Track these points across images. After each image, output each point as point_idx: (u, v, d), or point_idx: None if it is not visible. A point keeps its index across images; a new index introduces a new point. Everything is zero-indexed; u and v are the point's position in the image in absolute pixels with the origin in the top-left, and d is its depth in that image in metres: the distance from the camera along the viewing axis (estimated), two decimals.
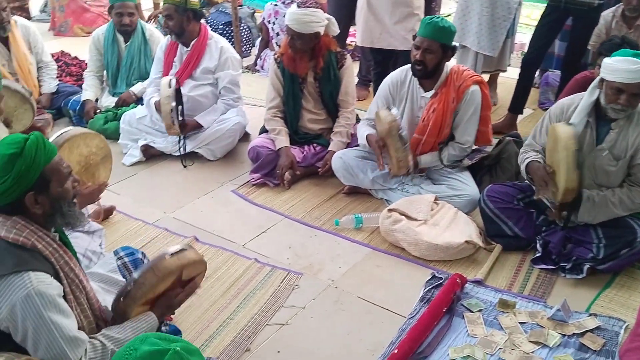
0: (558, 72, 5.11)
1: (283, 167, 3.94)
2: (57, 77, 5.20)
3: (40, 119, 4.40)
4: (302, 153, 4.11)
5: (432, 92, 3.53)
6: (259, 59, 6.51)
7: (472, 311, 2.78)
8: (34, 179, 1.90)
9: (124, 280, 2.41)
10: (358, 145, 3.90)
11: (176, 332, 2.64)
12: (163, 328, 2.59)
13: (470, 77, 3.49)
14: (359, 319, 2.81)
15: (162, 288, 2.14)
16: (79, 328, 2.01)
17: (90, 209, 3.56)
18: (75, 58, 6.01)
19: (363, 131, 3.74)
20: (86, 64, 5.36)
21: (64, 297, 1.95)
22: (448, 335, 2.64)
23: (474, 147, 3.70)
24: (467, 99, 3.48)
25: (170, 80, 3.99)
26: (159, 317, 2.15)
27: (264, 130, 4.25)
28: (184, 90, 4.29)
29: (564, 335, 2.60)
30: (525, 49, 4.80)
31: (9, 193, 1.88)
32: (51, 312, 1.86)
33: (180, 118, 4.11)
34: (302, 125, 4.16)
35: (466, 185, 3.54)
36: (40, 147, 1.91)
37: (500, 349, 2.54)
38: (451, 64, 3.57)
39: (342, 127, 4.03)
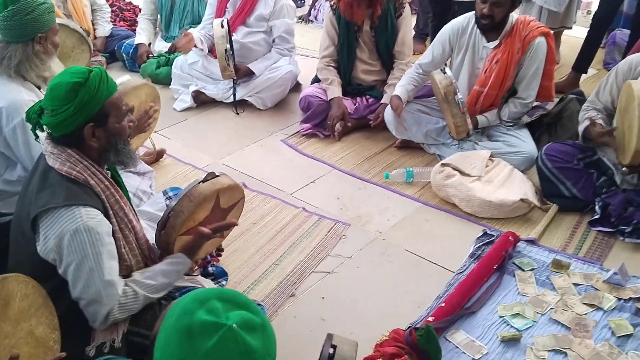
0: (626, 31, 4.84)
1: (334, 118, 3.86)
2: (111, 21, 5.21)
3: (93, 61, 4.41)
4: (354, 104, 4.02)
5: (496, 42, 3.37)
6: (312, 9, 6.41)
7: (523, 270, 2.70)
8: (95, 110, 1.90)
9: None
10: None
11: (222, 274, 2.65)
12: (210, 269, 2.61)
13: (537, 27, 3.31)
14: (405, 271, 2.76)
15: (202, 215, 2.12)
16: (127, 266, 2.02)
17: (142, 151, 3.59)
18: (130, 3, 6.00)
19: (403, 82, 3.65)
20: (140, 9, 5.36)
21: (113, 235, 1.95)
22: (497, 292, 2.58)
23: (535, 103, 3.54)
24: (532, 50, 3.31)
25: (222, 21, 3.92)
26: (188, 256, 2.10)
27: (316, 81, 4.17)
28: (236, 36, 4.24)
29: (619, 299, 2.50)
30: (592, 8, 4.55)
31: (70, 122, 1.88)
32: (96, 251, 1.85)
33: (232, 63, 4.06)
34: (356, 76, 4.06)
35: (523, 142, 3.39)
36: (104, 80, 1.91)
37: (551, 309, 2.47)
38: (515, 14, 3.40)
39: (396, 79, 3.88)
